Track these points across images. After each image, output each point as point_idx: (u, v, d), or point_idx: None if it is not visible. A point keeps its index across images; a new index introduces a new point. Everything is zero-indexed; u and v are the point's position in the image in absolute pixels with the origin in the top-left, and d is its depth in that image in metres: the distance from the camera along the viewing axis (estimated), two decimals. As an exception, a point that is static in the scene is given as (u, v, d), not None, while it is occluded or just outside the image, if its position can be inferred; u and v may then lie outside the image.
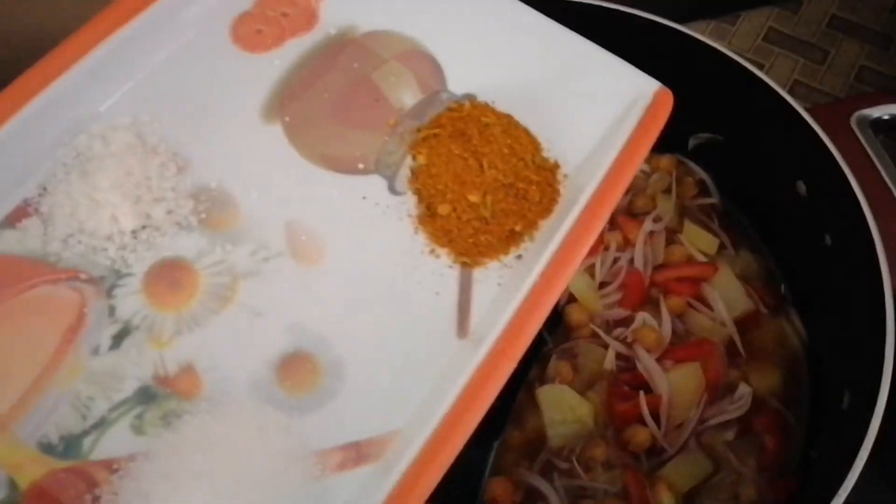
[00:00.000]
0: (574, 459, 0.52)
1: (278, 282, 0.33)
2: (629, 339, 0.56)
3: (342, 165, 0.37)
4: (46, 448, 0.27)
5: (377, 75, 0.39)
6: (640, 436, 0.52)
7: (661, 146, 0.62)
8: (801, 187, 0.54)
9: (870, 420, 0.42)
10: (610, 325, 0.57)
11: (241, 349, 0.31)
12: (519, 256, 0.40)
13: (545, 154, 0.43)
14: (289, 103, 0.37)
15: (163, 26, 0.36)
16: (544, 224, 0.41)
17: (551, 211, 0.41)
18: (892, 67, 0.78)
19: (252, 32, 0.37)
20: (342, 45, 0.38)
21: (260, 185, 0.35)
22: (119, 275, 0.30)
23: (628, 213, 0.61)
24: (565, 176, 0.42)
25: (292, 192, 0.36)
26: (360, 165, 0.38)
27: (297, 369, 0.32)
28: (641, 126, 0.41)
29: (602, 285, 0.58)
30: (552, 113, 0.43)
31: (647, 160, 0.62)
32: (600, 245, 0.59)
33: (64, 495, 0.26)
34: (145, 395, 0.28)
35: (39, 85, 0.33)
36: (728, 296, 0.57)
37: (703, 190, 0.62)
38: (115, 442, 0.28)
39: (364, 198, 0.37)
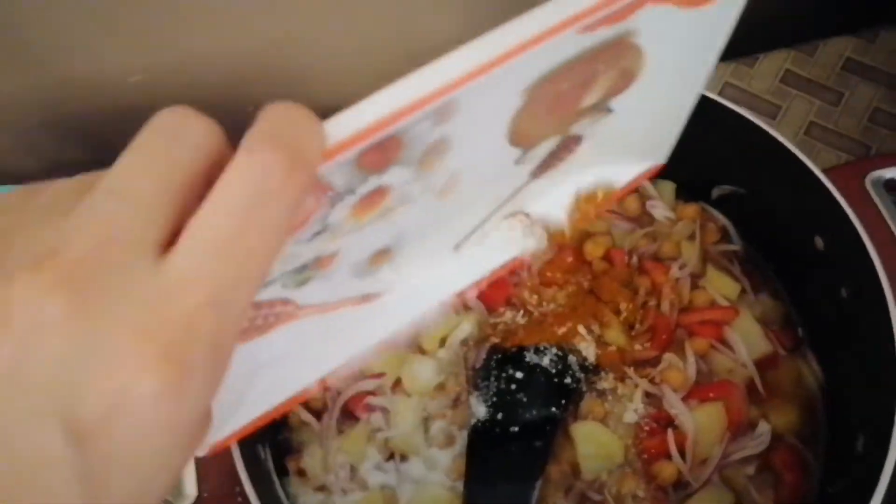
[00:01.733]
0: (606, 492, 0.57)
1: (417, 208, 0.34)
2: (657, 380, 0.60)
3: (517, 139, 0.34)
4: None
5: (600, 81, 0.34)
6: (667, 470, 0.57)
7: (686, 195, 0.67)
8: (819, 242, 0.57)
9: (882, 468, 0.46)
10: (639, 366, 0.61)
11: (362, 248, 0.35)
12: None
13: None
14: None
15: None
16: None
17: None
18: (904, 109, 0.81)
19: None
20: (618, 42, 0.33)
21: (469, 142, 0.32)
22: (349, 191, 0.30)
23: (655, 258, 0.65)
24: None
25: (479, 153, 0.34)
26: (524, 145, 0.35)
27: (379, 260, 0.37)
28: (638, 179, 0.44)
29: (632, 328, 0.62)
30: None
31: (673, 208, 0.67)
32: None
33: None
34: (301, 268, 0.32)
35: None
36: (749, 338, 0.61)
37: (725, 236, 0.66)
38: (270, 291, 0.32)
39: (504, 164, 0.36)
